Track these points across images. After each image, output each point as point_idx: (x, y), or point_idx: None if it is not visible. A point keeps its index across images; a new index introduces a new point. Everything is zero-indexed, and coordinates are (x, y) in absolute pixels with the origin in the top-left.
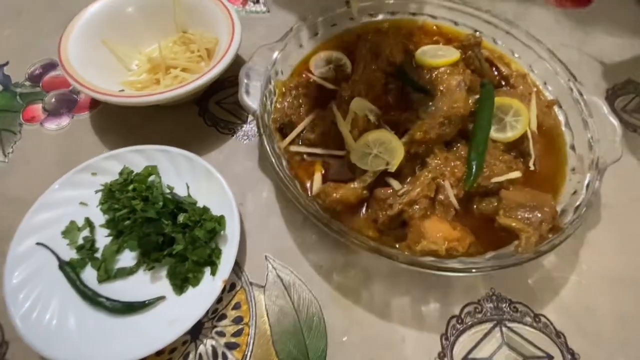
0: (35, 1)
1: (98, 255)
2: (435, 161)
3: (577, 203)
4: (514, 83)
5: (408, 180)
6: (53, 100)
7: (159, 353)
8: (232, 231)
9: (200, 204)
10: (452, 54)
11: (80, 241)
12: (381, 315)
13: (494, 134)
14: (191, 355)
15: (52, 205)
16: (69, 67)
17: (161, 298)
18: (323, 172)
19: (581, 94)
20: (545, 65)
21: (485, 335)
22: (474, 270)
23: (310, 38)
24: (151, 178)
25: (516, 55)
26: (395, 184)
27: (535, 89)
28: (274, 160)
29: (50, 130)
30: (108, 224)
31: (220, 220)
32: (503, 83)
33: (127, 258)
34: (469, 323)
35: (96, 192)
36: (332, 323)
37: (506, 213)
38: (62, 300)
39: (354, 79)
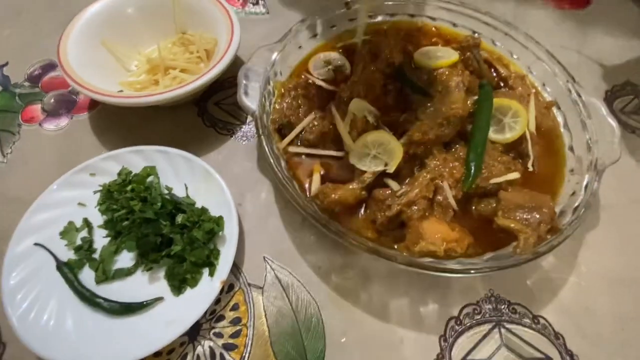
0: (35, 1)
1: (96, 256)
2: (434, 162)
3: (576, 204)
4: (512, 84)
5: (407, 181)
6: (52, 100)
7: (156, 354)
8: (230, 232)
9: (198, 205)
10: (451, 55)
11: (79, 242)
12: (380, 316)
13: (492, 135)
14: (189, 356)
15: (50, 206)
16: (68, 68)
17: (159, 299)
18: (322, 172)
19: (580, 96)
20: (544, 67)
21: (484, 336)
22: (472, 271)
23: (309, 39)
24: (150, 179)
25: (515, 57)
26: (393, 184)
27: (534, 90)
28: (272, 161)
29: (49, 130)
30: (106, 225)
31: (218, 221)
32: (502, 84)
33: (125, 259)
34: (468, 324)
35: (94, 192)
36: (330, 324)
37: (505, 214)
38: (60, 301)
39: (353, 80)
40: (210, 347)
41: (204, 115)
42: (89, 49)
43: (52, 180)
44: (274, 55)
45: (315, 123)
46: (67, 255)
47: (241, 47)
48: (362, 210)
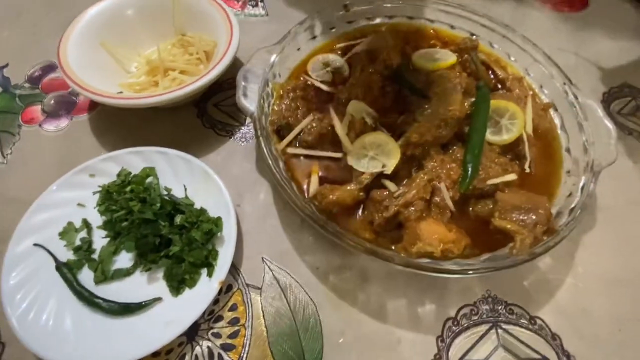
0: (35, 3)
1: (95, 256)
2: (432, 163)
3: (572, 205)
4: (510, 86)
5: (404, 182)
6: (52, 101)
7: (155, 354)
8: (229, 233)
9: (197, 206)
10: (448, 58)
11: (78, 242)
12: (377, 316)
13: (489, 136)
14: (187, 357)
15: (50, 206)
16: (68, 69)
17: (158, 299)
18: (320, 174)
19: (576, 97)
20: (542, 69)
21: (481, 337)
22: (469, 272)
23: (308, 41)
24: (149, 179)
25: (512, 59)
26: (391, 185)
27: (531, 92)
28: (271, 162)
29: (49, 131)
30: (105, 226)
31: (217, 222)
32: (499, 86)
33: (124, 259)
34: (465, 325)
35: (94, 193)
36: (328, 324)
37: (501, 215)
38: (59, 301)
39: (351, 82)
40: (209, 348)
41: (203, 117)
42: (89, 51)
43: (51, 181)
44: (273, 57)
45: (314, 124)
46: (66, 255)
47: (240, 48)
48: (360, 211)
